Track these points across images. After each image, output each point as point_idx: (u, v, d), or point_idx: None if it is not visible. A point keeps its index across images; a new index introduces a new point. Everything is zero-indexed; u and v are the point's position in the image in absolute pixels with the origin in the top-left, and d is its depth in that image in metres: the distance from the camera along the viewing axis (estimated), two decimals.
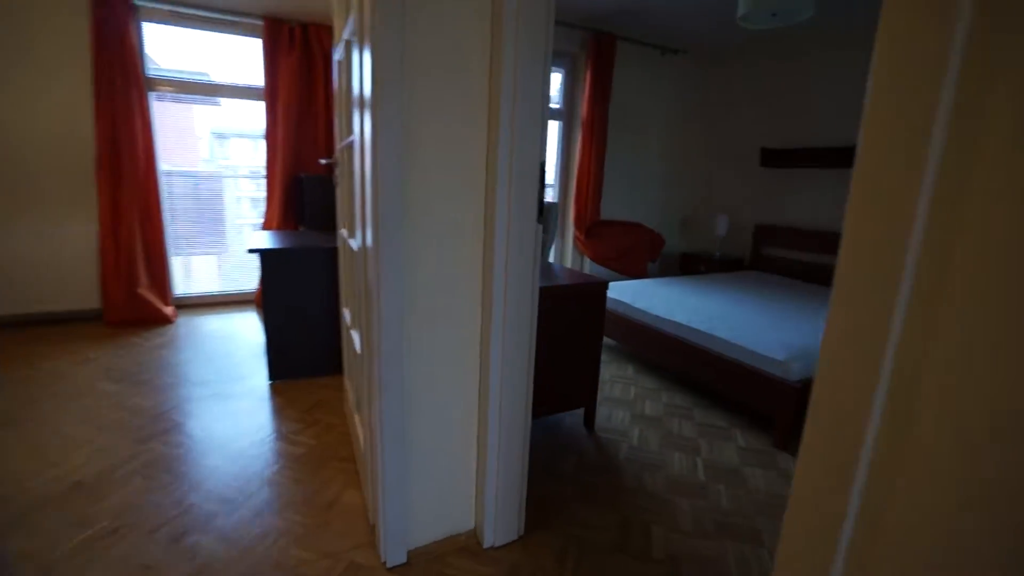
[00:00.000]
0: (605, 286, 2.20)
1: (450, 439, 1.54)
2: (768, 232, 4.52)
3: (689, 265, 4.98)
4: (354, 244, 1.69)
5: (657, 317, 3.01)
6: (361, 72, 1.34)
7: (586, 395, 2.34)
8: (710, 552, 1.63)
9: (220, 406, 2.44)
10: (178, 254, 4.21)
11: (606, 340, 3.47)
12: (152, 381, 2.68)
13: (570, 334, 2.18)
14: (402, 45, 1.20)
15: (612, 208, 4.86)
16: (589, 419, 2.41)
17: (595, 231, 4.69)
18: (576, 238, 4.74)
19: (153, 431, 2.18)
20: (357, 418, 1.96)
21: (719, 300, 3.22)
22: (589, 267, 4.83)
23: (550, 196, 4.83)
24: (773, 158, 4.35)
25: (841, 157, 3.85)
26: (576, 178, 4.54)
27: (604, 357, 3.34)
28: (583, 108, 4.39)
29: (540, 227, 1.43)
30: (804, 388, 2.24)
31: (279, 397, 2.57)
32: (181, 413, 2.36)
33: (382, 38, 1.16)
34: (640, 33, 4.37)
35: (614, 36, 4.28)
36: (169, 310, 3.76)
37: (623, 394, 2.82)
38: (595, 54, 4.24)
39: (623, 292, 3.41)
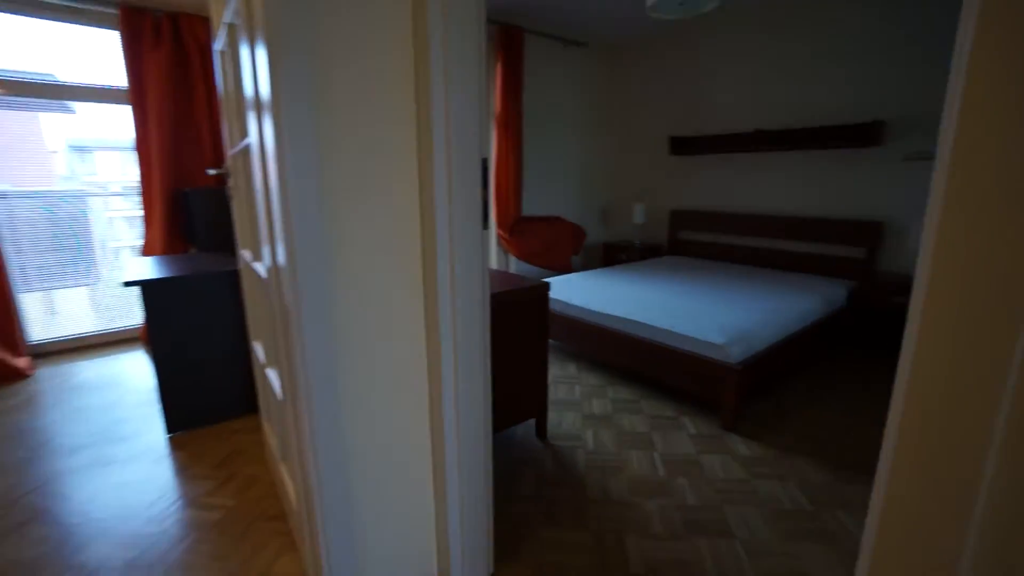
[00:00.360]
0: (547, 288, 2.08)
1: (403, 480, 1.34)
2: (683, 217, 4.70)
3: (611, 255, 5.07)
4: (260, 267, 1.41)
5: (596, 312, 2.96)
6: (254, 64, 1.08)
7: (537, 404, 2.21)
8: (687, 555, 1.57)
9: (102, 477, 2.00)
10: (32, 291, 3.50)
11: None
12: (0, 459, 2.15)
13: (516, 343, 2.04)
14: (310, 27, 0.97)
15: (532, 204, 4.80)
16: (541, 428, 2.30)
17: (518, 228, 4.60)
18: (500, 236, 4.62)
19: (4, 528, 1.72)
20: (284, 468, 1.68)
21: (650, 288, 3.25)
22: (514, 265, 4.74)
23: None
24: (682, 146, 4.52)
25: (744, 142, 4.07)
26: (495, 176, 4.41)
27: None
28: (496, 104, 4.26)
29: (487, 231, 1.27)
30: (745, 370, 2.29)
31: (182, 452, 2.17)
32: (45, 496, 1.89)
33: (282, 20, 0.93)
34: (545, 25, 4.32)
35: (521, 29, 4.19)
36: (22, 362, 3.09)
37: (569, 395, 2.74)
38: (504, 48, 4.13)
39: (558, 289, 3.34)
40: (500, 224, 4.51)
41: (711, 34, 4.29)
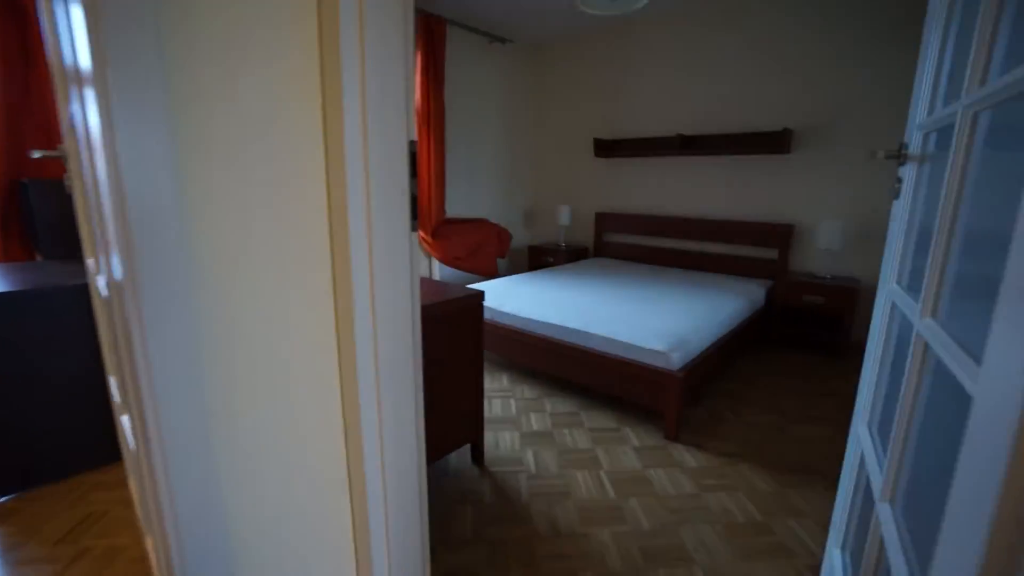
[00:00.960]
0: (481, 298, 1.85)
1: (313, 552, 1.04)
2: (608, 220, 4.69)
3: (537, 258, 4.95)
4: (101, 282, 1.04)
5: (529, 320, 2.78)
6: (69, 22, 0.74)
7: (473, 428, 1.97)
8: None
9: None
10: None
11: None
12: None
13: (448, 361, 1.79)
14: None
15: (455, 204, 4.55)
16: (478, 453, 2.06)
17: (442, 231, 4.33)
18: (422, 239, 4.31)
19: None
20: (150, 542, 1.29)
21: (582, 293, 3.14)
22: (438, 270, 4.45)
23: None
24: (606, 148, 4.50)
25: (666, 146, 4.12)
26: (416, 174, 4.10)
27: None
28: (417, 96, 3.96)
29: (415, 234, 1.02)
30: (686, 376, 2.21)
31: (13, 524, 1.66)
32: None
33: None
34: (468, 19, 4.10)
35: (443, 19, 3.93)
36: None
37: (504, 411, 2.53)
38: (425, 37, 3.84)
39: (487, 296, 3.12)
40: (422, 226, 4.20)
41: (635, 37, 4.31)
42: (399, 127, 0.92)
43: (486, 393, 2.73)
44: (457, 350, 1.81)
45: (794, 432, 2.33)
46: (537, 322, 2.74)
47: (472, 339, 1.86)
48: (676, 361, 2.24)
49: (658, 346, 2.28)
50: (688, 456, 2.12)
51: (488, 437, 2.26)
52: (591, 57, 4.63)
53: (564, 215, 4.77)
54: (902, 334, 1.03)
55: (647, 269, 4.05)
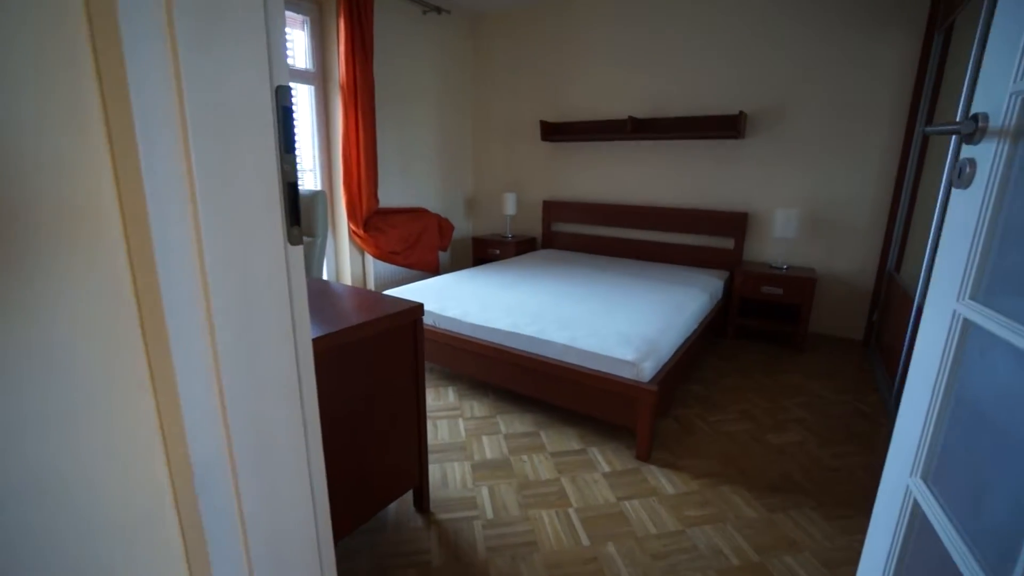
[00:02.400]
0: (419, 312, 1.47)
1: None
2: (557, 208, 4.39)
3: (482, 250, 4.58)
4: None
5: (476, 326, 2.42)
6: None
7: (414, 470, 1.60)
8: None
9: None
10: None
11: None
12: None
13: (379, 395, 1.40)
14: None
15: (389, 193, 4.07)
16: (422, 498, 1.69)
17: (375, 223, 3.85)
18: (352, 233, 3.81)
19: None
20: None
21: (535, 291, 2.82)
22: (372, 266, 3.98)
23: (310, 182, 3.76)
24: (554, 131, 4.18)
25: (616, 128, 3.86)
26: (342, 158, 3.59)
27: None
28: (340, 69, 3.44)
29: (298, 245, 0.63)
30: (659, 387, 1.95)
31: None
32: None
33: None
34: None
35: None
36: None
37: (452, 435, 2.17)
38: (350, 2, 3.31)
39: (426, 297, 2.72)
40: (352, 218, 3.71)
41: (581, 11, 3.99)
42: (255, 62, 0.52)
43: (430, 413, 2.36)
44: (391, 379, 1.43)
45: (769, 441, 2.15)
46: (485, 328, 2.38)
47: (410, 363, 1.48)
48: (648, 371, 1.97)
49: (627, 355, 2.00)
50: (664, 480, 1.86)
51: (434, 472, 1.90)
52: (536, 32, 4.27)
53: (510, 204, 4.43)
54: (995, 371, 0.77)
55: (601, 261, 3.79)
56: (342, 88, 3.46)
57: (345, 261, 3.95)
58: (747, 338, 3.42)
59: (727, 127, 3.41)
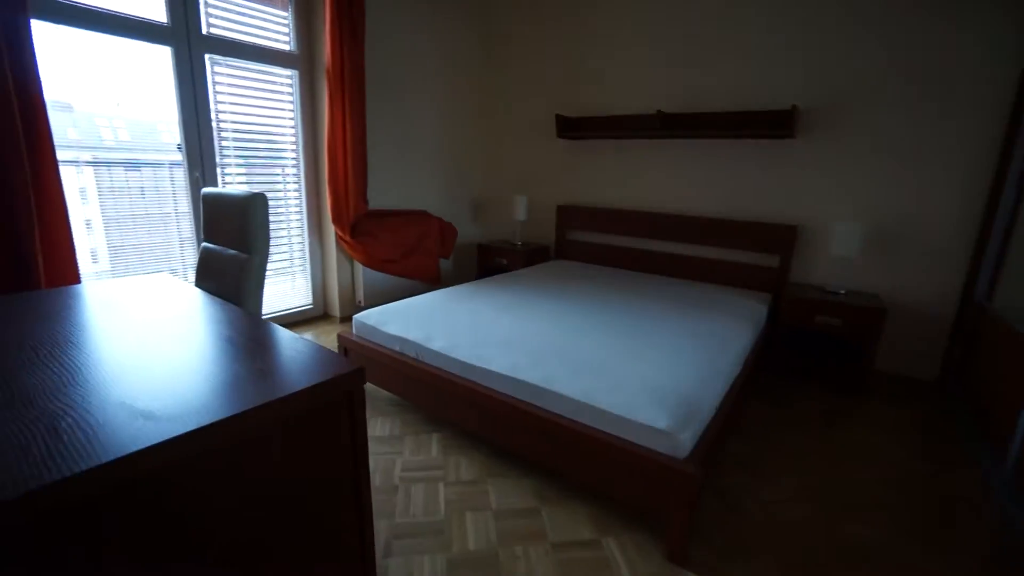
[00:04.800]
0: (359, 378, 0.99)
1: None
2: (573, 214, 3.89)
3: (488, 258, 4.11)
4: None
5: (465, 364, 1.94)
6: None
7: None
8: None
9: None
10: None
11: (389, 396, 2.27)
12: None
13: (308, 496, 0.93)
14: None
15: (382, 193, 3.62)
16: None
17: (365, 227, 3.40)
18: (339, 238, 3.37)
19: None
20: None
21: (543, 316, 2.32)
22: (362, 275, 3.53)
23: (304, 178, 3.31)
24: (571, 127, 3.68)
25: (643, 125, 3.35)
26: (327, 152, 3.15)
27: (392, 420, 2.16)
28: (327, 54, 2.99)
29: None
30: (699, 463, 1.44)
31: None
32: None
33: None
34: None
35: None
36: None
37: (428, 507, 1.69)
38: None
39: (408, 322, 2.25)
40: (337, 221, 3.26)
41: None
42: None
43: (406, 469, 1.89)
44: (322, 475, 0.96)
45: (843, 533, 1.63)
46: (477, 369, 1.90)
47: (344, 463, 1.01)
48: (686, 443, 1.47)
49: (659, 420, 1.50)
50: None
51: (395, 565, 1.43)
52: (553, 14, 3.78)
53: (520, 208, 3.94)
54: None
55: (622, 277, 3.28)
56: (328, 75, 3.01)
57: (332, 270, 3.50)
58: (793, 375, 2.88)
59: (776, 124, 2.87)
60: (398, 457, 1.98)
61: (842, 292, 2.76)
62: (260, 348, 1.07)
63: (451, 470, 1.91)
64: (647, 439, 1.51)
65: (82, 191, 2.36)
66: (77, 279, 2.17)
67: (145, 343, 1.07)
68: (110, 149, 2.48)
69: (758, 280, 3.13)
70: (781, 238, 3.01)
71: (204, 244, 1.72)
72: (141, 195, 2.59)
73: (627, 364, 1.83)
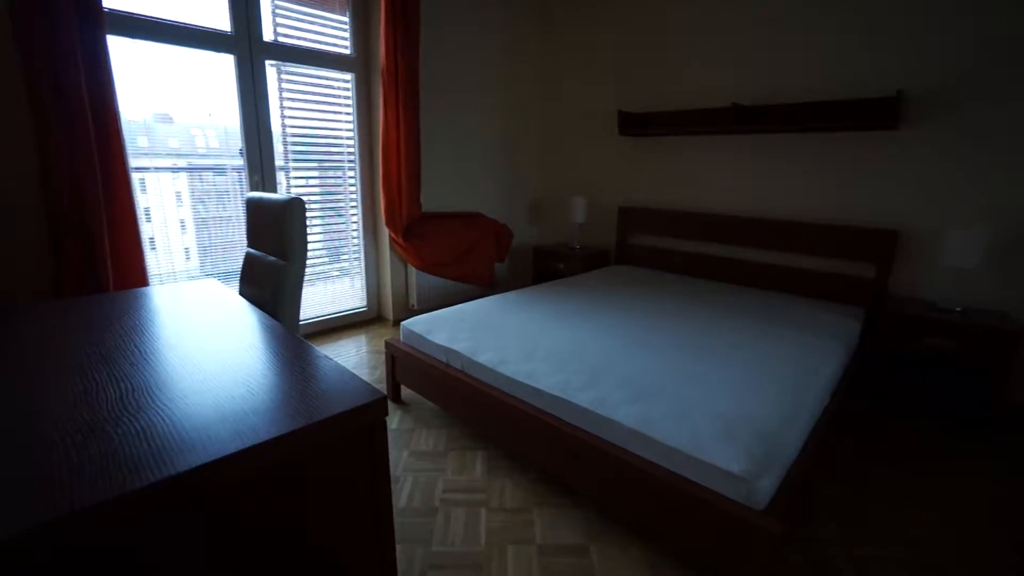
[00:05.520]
0: (381, 409, 0.87)
1: None
2: (635, 216, 3.65)
3: (544, 263, 3.95)
4: None
5: (512, 381, 1.80)
6: None
7: None
8: None
9: None
10: None
11: (431, 406, 2.17)
12: None
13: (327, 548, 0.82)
14: None
15: (436, 195, 3.56)
16: None
17: (418, 229, 3.35)
18: (393, 241, 3.35)
19: None
20: None
21: (600, 331, 2.13)
22: (416, 278, 3.49)
23: (356, 178, 3.33)
24: (635, 124, 3.45)
25: (716, 120, 3.06)
26: (381, 154, 3.13)
27: (437, 434, 2.06)
28: (381, 55, 2.97)
29: None
30: (781, 515, 1.21)
31: None
32: None
33: None
34: None
35: None
36: None
37: (469, 536, 1.57)
38: None
39: (456, 331, 2.15)
40: (390, 223, 3.24)
41: None
42: None
43: (447, 491, 1.78)
44: (341, 524, 0.85)
45: None
46: (525, 387, 1.76)
47: (365, 509, 0.89)
48: (764, 491, 1.24)
49: (731, 462, 1.28)
50: None
51: None
52: (617, 5, 3.56)
53: (579, 210, 3.75)
54: None
55: (689, 285, 3.01)
56: (384, 77, 2.98)
57: (386, 273, 3.49)
58: (894, 407, 2.49)
59: (875, 115, 2.50)
60: (440, 476, 1.87)
61: (957, 310, 2.34)
62: (277, 371, 0.98)
63: (495, 494, 1.77)
64: (717, 482, 1.29)
65: (178, 195, 2.50)
66: (145, 281, 2.26)
67: (157, 361, 1.02)
68: (203, 156, 2.65)
69: (847, 292, 2.76)
70: (878, 244, 2.62)
71: (247, 249, 1.70)
72: (219, 198, 2.71)
73: (694, 389, 1.61)
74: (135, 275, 2.20)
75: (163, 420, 0.77)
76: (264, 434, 0.73)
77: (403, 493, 1.77)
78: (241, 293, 1.69)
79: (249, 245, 1.70)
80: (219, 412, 0.80)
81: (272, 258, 1.51)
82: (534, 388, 1.72)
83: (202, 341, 1.13)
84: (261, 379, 0.92)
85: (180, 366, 0.98)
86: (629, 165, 3.71)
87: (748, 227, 3.07)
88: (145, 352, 1.05)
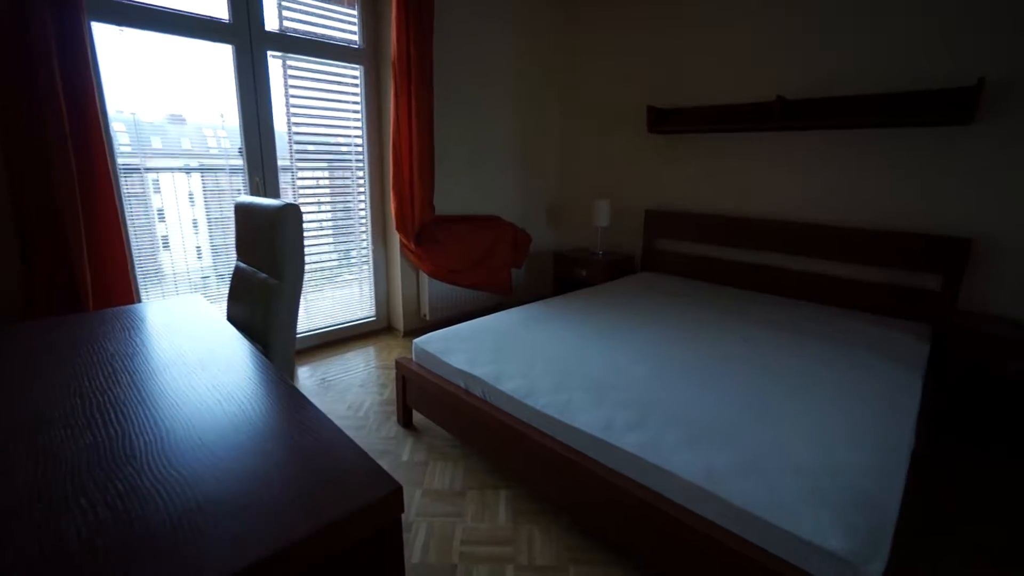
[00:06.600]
0: (398, 505, 0.63)
1: None
2: (663, 220, 3.39)
3: (565, 269, 3.69)
4: None
5: (543, 416, 1.55)
6: None
7: None
8: None
9: None
10: None
11: (446, 435, 1.93)
12: None
13: None
14: None
15: (450, 198, 3.32)
16: None
17: (431, 234, 3.12)
18: (404, 246, 3.11)
19: None
20: None
21: (638, 351, 1.88)
22: (428, 286, 3.25)
23: (363, 178, 3.10)
24: (665, 120, 3.18)
25: (757, 116, 2.78)
26: (392, 153, 2.89)
27: (454, 468, 1.81)
28: (392, 45, 2.73)
29: None
30: None
31: None
32: None
33: None
34: None
35: None
36: None
37: None
38: None
39: (475, 352, 1.91)
40: (401, 228, 3.00)
41: None
42: None
43: (466, 541, 1.53)
44: None
45: None
46: (561, 425, 1.51)
47: None
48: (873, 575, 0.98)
49: (827, 534, 1.02)
50: None
51: None
52: None
53: (602, 213, 3.49)
54: None
55: (726, 297, 2.74)
56: (394, 69, 2.75)
57: (396, 280, 3.26)
58: (960, 436, 2.21)
59: (945, 108, 2.22)
60: (458, 522, 1.63)
61: None
62: (259, 445, 0.74)
63: (523, 547, 1.53)
64: (806, 558, 1.04)
65: (190, 195, 2.49)
66: (131, 296, 2.04)
67: (110, 427, 0.79)
68: (214, 156, 2.55)
69: (906, 306, 2.48)
70: (945, 253, 2.34)
71: (237, 263, 1.47)
72: (232, 198, 2.58)
73: (762, 430, 1.36)
74: (119, 289, 1.98)
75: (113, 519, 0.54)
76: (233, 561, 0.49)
77: (416, 544, 1.53)
78: (230, 313, 1.46)
79: (239, 258, 1.47)
80: (171, 517, 0.56)
81: (263, 275, 1.28)
82: (570, 426, 1.48)
83: (169, 392, 0.89)
84: (250, 469, 0.69)
85: (137, 435, 0.75)
86: (657, 165, 3.45)
87: (789, 232, 2.79)
88: (89, 414, 0.82)
